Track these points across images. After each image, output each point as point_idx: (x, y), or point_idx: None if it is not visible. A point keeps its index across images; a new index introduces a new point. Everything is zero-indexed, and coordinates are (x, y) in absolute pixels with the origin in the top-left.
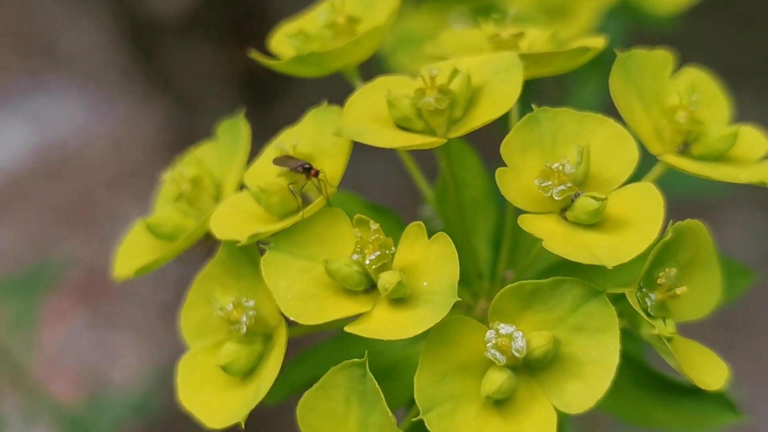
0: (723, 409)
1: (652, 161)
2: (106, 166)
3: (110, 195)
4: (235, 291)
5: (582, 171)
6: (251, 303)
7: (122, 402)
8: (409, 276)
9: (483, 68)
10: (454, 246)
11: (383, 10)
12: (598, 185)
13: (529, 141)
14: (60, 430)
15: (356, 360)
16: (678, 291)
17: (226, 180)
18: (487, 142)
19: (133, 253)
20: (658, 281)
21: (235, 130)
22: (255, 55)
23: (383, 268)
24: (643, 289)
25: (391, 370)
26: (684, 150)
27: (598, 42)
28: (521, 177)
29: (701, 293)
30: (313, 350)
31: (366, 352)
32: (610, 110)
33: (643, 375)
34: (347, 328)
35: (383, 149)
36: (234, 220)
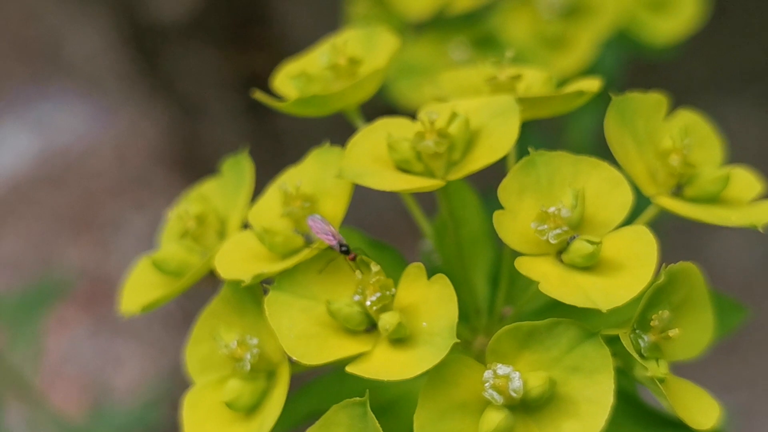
0: None
1: (646, 201)
2: (109, 173)
3: (113, 202)
4: (239, 328)
5: (577, 215)
6: (255, 341)
7: (125, 412)
8: (409, 316)
9: (481, 111)
10: (452, 288)
11: (384, 51)
12: (593, 228)
13: (526, 184)
14: None
15: (357, 399)
16: (671, 333)
17: (231, 217)
18: (486, 179)
19: (139, 288)
20: (652, 323)
21: (239, 167)
22: (259, 96)
23: (384, 308)
24: (637, 331)
25: (392, 406)
26: (677, 192)
27: (594, 84)
28: (518, 220)
29: (694, 333)
30: (315, 384)
31: (367, 390)
32: (606, 145)
33: (638, 411)
34: (348, 368)
35: None
36: (238, 259)
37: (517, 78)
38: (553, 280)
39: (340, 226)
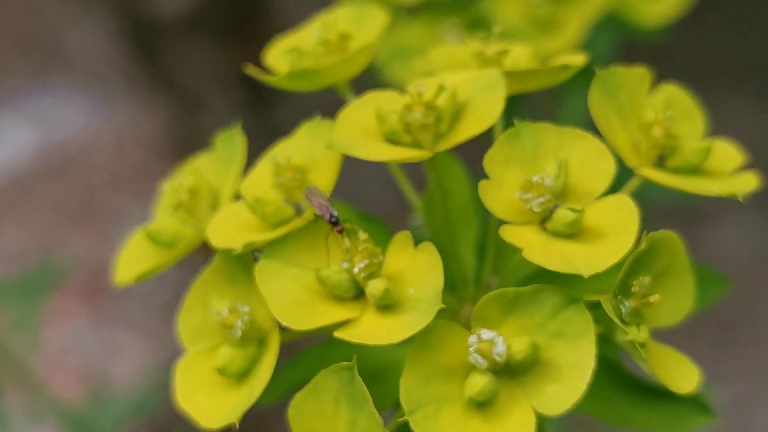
0: (697, 411)
1: (630, 174)
2: (109, 166)
3: (113, 195)
4: (230, 297)
5: (561, 184)
6: (246, 308)
7: (124, 401)
8: (396, 283)
9: (468, 85)
10: (439, 255)
11: (373, 27)
12: (576, 197)
13: (511, 155)
14: (63, 428)
15: (345, 363)
16: (651, 299)
17: (223, 190)
18: (474, 152)
19: (133, 259)
20: (633, 289)
21: (232, 141)
22: (251, 69)
23: (371, 276)
24: (618, 297)
25: (379, 373)
26: (660, 163)
27: (579, 59)
28: (503, 189)
29: (675, 300)
30: (305, 353)
31: (354, 356)
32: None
33: (620, 378)
34: (336, 334)
35: None
36: (230, 229)
37: (504, 53)
38: (536, 248)
39: (329, 197)
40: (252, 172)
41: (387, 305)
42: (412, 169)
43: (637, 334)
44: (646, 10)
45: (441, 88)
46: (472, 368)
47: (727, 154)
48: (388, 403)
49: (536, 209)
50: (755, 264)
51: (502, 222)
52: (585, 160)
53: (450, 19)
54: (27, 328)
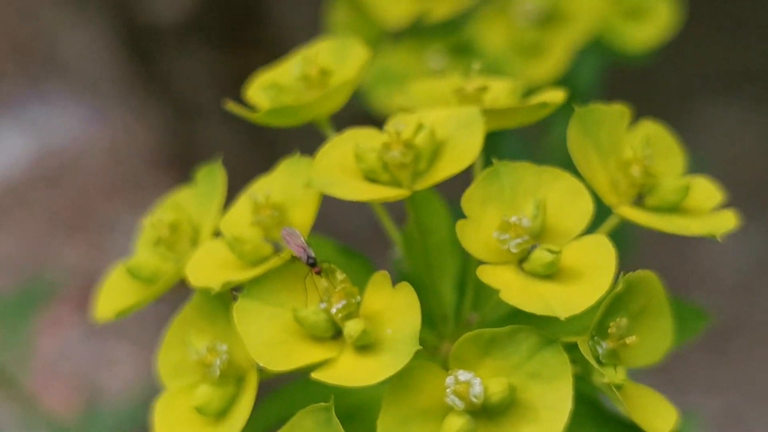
0: None
1: (609, 212)
2: (104, 174)
3: (107, 203)
4: (209, 335)
5: (538, 224)
6: (224, 347)
7: (117, 412)
8: (374, 323)
9: (447, 123)
10: (416, 295)
11: (354, 62)
12: (554, 237)
13: (489, 194)
14: None
15: (322, 404)
16: (628, 340)
17: (203, 225)
18: (457, 186)
19: (114, 294)
20: (610, 331)
21: (213, 176)
22: (231, 106)
23: (349, 316)
24: (595, 338)
25: (357, 412)
26: (639, 201)
27: (558, 96)
28: (481, 229)
29: (653, 340)
30: (283, 390)
31: (332, 396)
32: None
33: (599, 415)
34: (314, 375)
35: None
36: (208, 267)
37: (483, 89)
38: (513, 289)
39: (309, 234)
40: (231, 208)
41: (365, 345)
42: (395, 202)
43: (614, 375)
44: (632, 35)
45: (420, 127)
46: (449, 409)
47: (707, 191)
48: None
49: (514, 250)
50: (750, 273)
51: (480, 261)
52: (563, 199)
53: (435, 45)
54: (19, 342)
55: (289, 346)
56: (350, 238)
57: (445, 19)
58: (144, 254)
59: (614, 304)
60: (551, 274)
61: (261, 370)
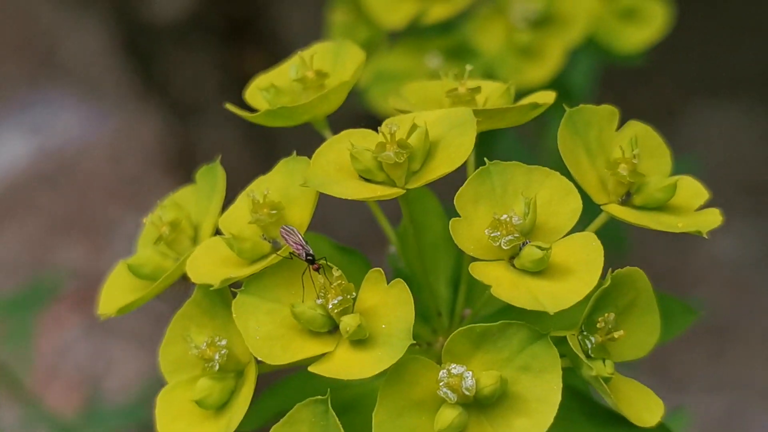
0: None
1: (599, 210)
2: (104, 175)
3: (107, 203)
4: (209, 330)
5: (529, 222)
6: (224, 342)
7: (117, 410)
8: (368, 318)
9: (440, 123)
10: (409, 291)
11: (350, 65)
12: (544, 234)
13: (481, 193)
14: None
15: (319, 397)
16: (616, 335)
17: (203, 223)
18: (448, 186)
19: (116, 291)
20: (598, 325)
21: (212, 175)
22: (230, 107)
23: (345, 311)
24: (584, 332)
25: (354, 404)
26: (627, 200)
27: (549, 97)
28: (473, 227)
29: (640, 335)
30: (282, 384)
31: (328, 389)
32: None
33: (590, 408)
34: (311, 368)
35: None
36: (208, 264)
37: (476, 90)
38: (504, 284)
39: (306, 231)
40: (230, 207)
41: (360, 340)
42: (388, 201)
43: (602, 369)
44: (627, 37)
45: (413, 127)
46: (442, 402)
47: (693, 190)
48: None
49: (505, 247)
50: (749, 272)
51: (473, 258)
52: (552, 197)
53: (432, 46)
54: (21, 342)
55: (286, 341)
56: (346, 237)
57: (442, 20)
58: (145, 252)
59: (602, 299)
60: (541, 270)
61: (260, 364)
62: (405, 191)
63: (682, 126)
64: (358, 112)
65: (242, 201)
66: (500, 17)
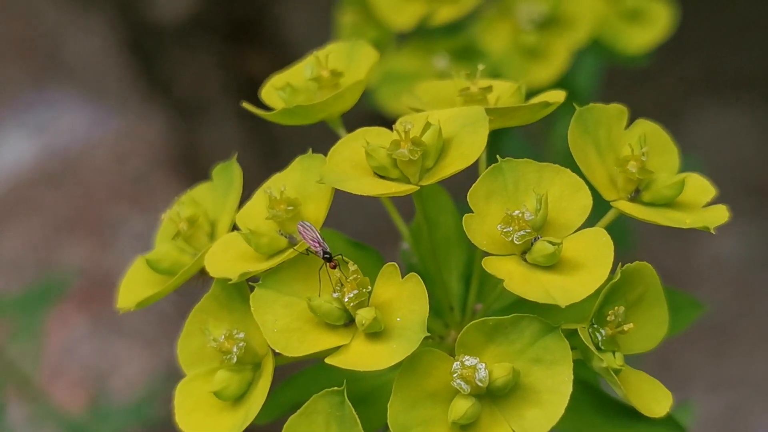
0: (671, 430)
1: (608, 207)
2: (108, 174)
3: (112, 203)
4: (227, 323)
5: (540, 218)
6: (241, 335)
7: (123, 408)
8: (383, 312)
9: (453, 121)
10: (423, 285)
11: (364, 64)
12: (555, 230)
13: (493, 189)
14: None
15: (336, 388)
16: (626, 327)
17: (220, 219)
18: (461, 182)
19: (134, 286)
20: (608, 318)
21: (229, 172)
22: (247, 106)
23: (360, 305)
24: (595, 325)
25: (369, 396)
26: (635, 196)
27: (559, 96)
28: (486, 222)
29: (649, 328)
30: (299, 375)
31: (345, 380)
32: None
33: (598, 399)
34: (327, 360)
35: None
36: (226, 259)
37: (487, 89)
38: (517, 278)
39: (321, 227)
40: (247, 203)
41: (375, 333)
42: (402, 197)
43: (613, 361)
44: (632, 38)
45: (427, 125)
46: (455, 393)
47: (700, 187)
48: (378, 425)
49: (517, 242)
50: (750, 271)
51: (485, 253)
52: (563, 194)
53: (439, 47)
54: (28, 340)
55: (303, 333)
56: (361, 233)
57: (450, 22)
58: (163, 247)
59: (612, 293)
60: (552, 264)
61: (276, 356)
62: (419, 188)
63: (685, 126)
64: (366, 112)
65: (259, 197)
66: (506, 19)
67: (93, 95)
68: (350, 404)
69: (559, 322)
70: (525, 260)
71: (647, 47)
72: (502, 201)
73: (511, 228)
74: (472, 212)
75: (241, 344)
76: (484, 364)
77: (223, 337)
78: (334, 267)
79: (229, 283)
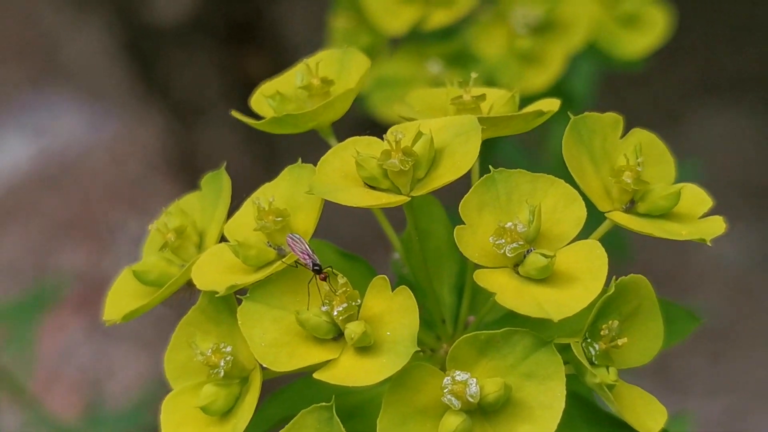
0: None
1: (603, 218)
2: (105, 177)
3: (109, 205)
4: (214, 337)
5: (533, 230)
6: (229, 348)
7: (119, 413)
8: (373, 325)
9: (445, 130)
10: (414, 299)
11: (356, 71)
12: (548, 242)
13: (486, 200)
14: None
15: (324, 404)
16: (619, 342)
17: (208, 230)
18: (454, 191)
19: (121, 297)
20: (602, 332)
21: (218, 182)
22: (236, 114)
23: (350, 318)
24: (588, 340)
25: (358, 411)
26: (631, 207)
27: (554, 104)
28: (478, 234)
29: (644, 342)
30: (286, 389)
31: (333, 396)
32: None
33: (593, 415)
34: (316, 375)
35: None
36: (214, 271)
37: (480, 98)
38: (509, 292)
39: (311, 238)
40: (236, 214)
41: (365, 347)
42: (393, 207)
43: (606, 376)
44: (628, 43)
45: (419, 135)
46: (446, 409)
47: (697, 197)
48: None
49: (509, 254)
50: (750, 275)
51: (478, 265)
52: (557, 205)
53: (433, 52)
54: (23, 346)
55: (291, 348)
56: (347, 240)
57: (443, 26)
58: (150, 258)
59: (606, 307)
60: (545, 277)
61: (264, 371)
62: (410, 199)
63: (684, 129)
64: (359, 118)
65: (247, 208)
66: (501, 23)
67: (91, 97)
68: (339, 420)
69: (552, 336)
70: (518, 273)
71: (644, 53)
72: (495, 212)
73: (503, 240)
74: (464, 224)
75: (228, 358)
76: (475, 380)
77: (210, 350)
78: (324, 279)
79: (217, 296)
